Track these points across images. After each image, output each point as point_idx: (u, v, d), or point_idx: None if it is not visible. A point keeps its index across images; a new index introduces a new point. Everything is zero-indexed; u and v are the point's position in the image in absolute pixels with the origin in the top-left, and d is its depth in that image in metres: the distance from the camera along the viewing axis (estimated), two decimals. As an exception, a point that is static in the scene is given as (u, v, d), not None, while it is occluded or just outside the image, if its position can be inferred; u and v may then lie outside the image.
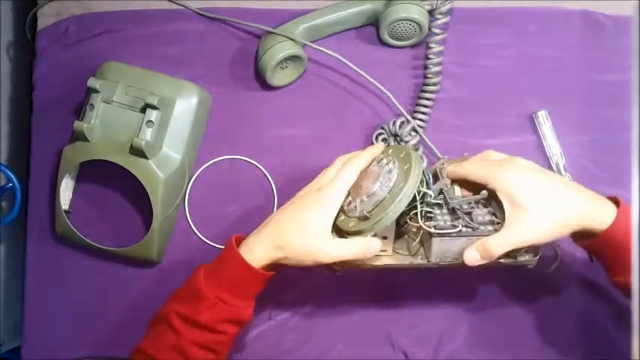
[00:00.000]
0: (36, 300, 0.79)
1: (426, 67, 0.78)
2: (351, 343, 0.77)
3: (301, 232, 0.63)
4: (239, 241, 0.66)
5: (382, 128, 0.78)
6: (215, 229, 0.79)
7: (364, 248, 0.64)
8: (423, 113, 0.78)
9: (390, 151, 0.69)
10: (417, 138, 0.77)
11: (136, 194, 0.75)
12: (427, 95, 0.78)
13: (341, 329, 0.77)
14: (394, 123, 0.77)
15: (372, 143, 0.78)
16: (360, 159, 0.67)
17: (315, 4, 0.80)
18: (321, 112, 0.81)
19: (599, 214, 0.60)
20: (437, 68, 0.78)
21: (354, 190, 0.66)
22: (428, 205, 0.65)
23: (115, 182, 0.79)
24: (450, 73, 0.80)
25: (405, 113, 0.77)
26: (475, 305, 0.77)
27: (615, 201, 0.62)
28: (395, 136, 0.78)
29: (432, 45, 0.77)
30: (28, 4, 0.84)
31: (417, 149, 0.77)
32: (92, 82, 0.72)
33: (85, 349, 0.77)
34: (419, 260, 0.67)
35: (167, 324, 0.65)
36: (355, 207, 0.65)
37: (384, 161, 0.67)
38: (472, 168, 0.65)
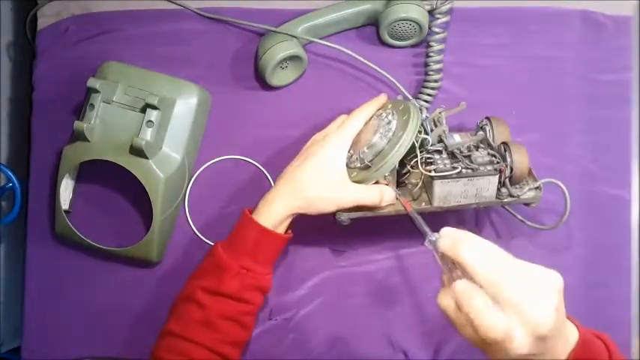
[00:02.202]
0: (36, 300, 0.79)
1: (426, 65, 0.78)
2: (351, 343, 0.77)
3: (320, 179, 0.65)
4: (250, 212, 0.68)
5: None
6: (215, 229, 0.79)
7: (380, 195, 0.66)
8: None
9: (390, 105, 0.71)
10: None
11: (136, 194, 0.75)
12: (428, 91, 0.78)
13: (341, 329, 0.77)
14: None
15: None
16: (367, 108, 0.70)
17: (315, 4, 0.80)
18: (321, 112, 0.81)
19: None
20: (438, 65, 0.78)
21: (355, 143, 0.69)
22: (427, 152, 0.68)
23: (115, 182, 0.79)
24: (450, 73, 0.80)
25: (410, 97, 0.77)
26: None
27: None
28: None
29: (432, 43, 0.77)
30: (28, 4, 0.84)
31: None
32: (92, 82, 0.72)
33: (85, 349, 0.77)
34: (422, 206, 0.69)
35: (191, 300, 0.66)
36: (357, 158, 0.68)
37: (383, 114, 0.69)
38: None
